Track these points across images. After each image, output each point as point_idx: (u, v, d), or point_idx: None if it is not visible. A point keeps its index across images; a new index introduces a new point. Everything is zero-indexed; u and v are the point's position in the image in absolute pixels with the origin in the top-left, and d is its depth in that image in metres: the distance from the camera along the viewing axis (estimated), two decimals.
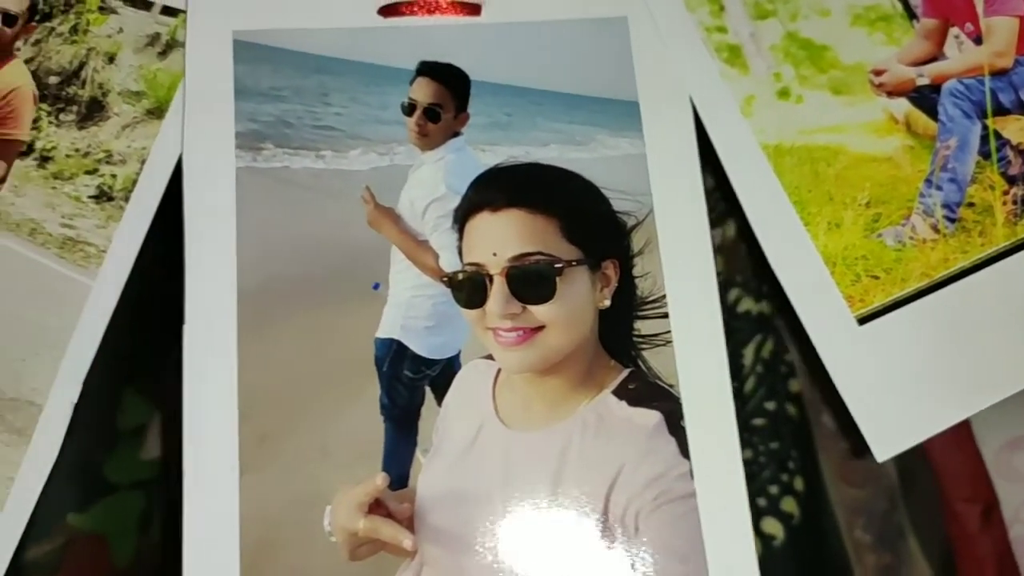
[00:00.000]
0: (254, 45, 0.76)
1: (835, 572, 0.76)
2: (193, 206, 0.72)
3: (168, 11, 0.78)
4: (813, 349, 0.72)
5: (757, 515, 0.73)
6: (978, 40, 0.79)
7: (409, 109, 0.75)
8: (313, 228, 0.73)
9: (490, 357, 0.68)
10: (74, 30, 0.78)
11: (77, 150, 0.76)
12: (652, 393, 0.67)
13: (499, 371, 0.68)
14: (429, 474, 0.67)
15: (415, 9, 0.77)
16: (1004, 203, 0.76)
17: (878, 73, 0.78)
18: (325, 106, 0.76)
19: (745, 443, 0.72)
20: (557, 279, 0.65)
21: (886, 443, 0.70)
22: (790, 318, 0.75)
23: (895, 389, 0.71)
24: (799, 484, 0.76)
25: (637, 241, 0.70)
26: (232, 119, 0.74)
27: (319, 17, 0.77)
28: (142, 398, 0.75)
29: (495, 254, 0.66)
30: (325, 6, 0.77)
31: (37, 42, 0.78)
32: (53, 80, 0.77)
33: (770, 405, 0.77)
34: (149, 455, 0.75)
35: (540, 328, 0.65)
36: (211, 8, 0.76)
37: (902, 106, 0.78)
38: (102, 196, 0.74)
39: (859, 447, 0.73)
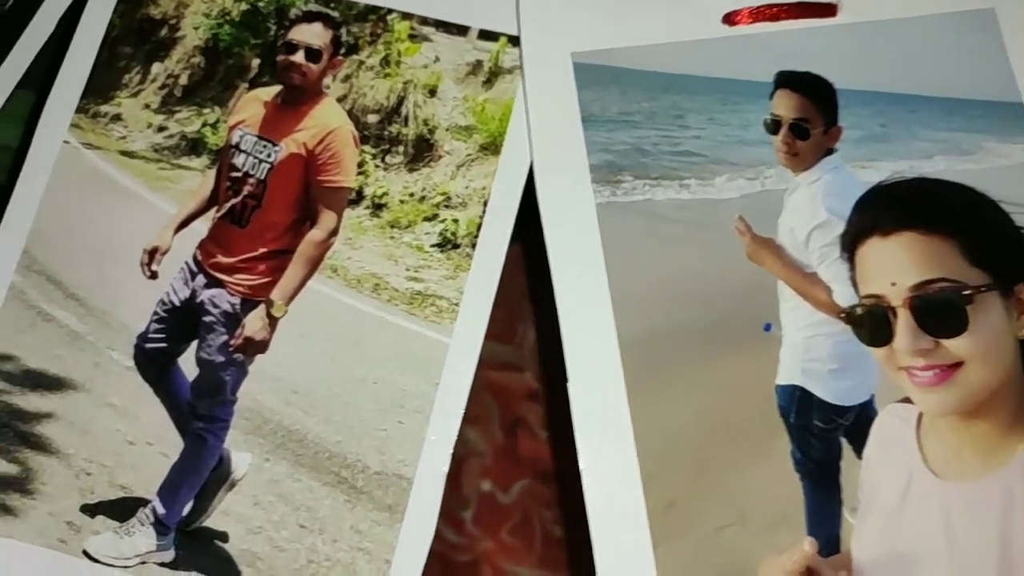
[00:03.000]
0: (596, 67, 0.69)
1: None
2: (559, 251, 0.65)
3: (486, 35, 0.71)
4: None
5: None
6: None
7: (773, 126, 0.68)
8: (689, 266, 0.66)
9: (908, 400, 0.61)
10: (385, 62, 0.71)
11: (411, 195, 0.69)
12: None
13: (921, 415, 0.61)
14: (862, 536, 0.60)
15: (762, 14, 0.70)
16: None
17: None
18: (682, 129, 0.69)
19: None
20: (968, 308, 0.58)
21: None
22: None
23: None
24: None
25: None
26: (584, 151, 0.67)
27: (662, 31, 0.69)
28: None
29: (894, 284, 0.58)
30: (666, 18, 0.70)
31: (347, 78, 0.71)
32: (372, 119, 0.71)
33: None
34: None
35: (958, 364, 0.58)
36: (546, 31, 0.69)
37: None
38: (446, 244, 0.68)
39: None
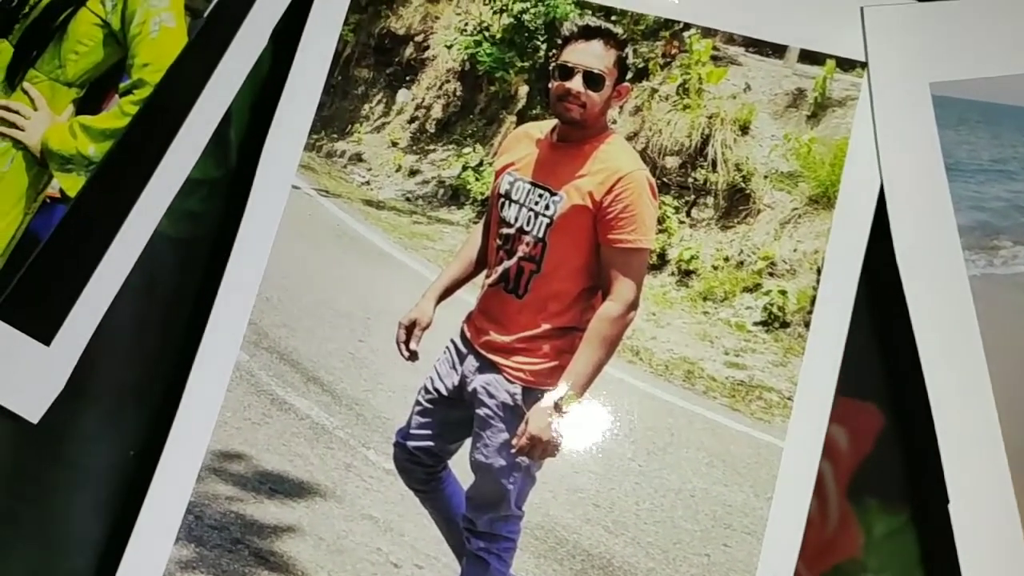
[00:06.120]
0: (961, 102, 0.55)
1: None
2: (928, 338, 0.53)
3: (809, 57, 0.58)
4: None
5: None
6: None
7: None
8: None
9: None
10: (684, 90, 0.58)
11: (726, 259, 0.57)
12: None
13: None
14: None
15: None
16: None
17: None
18: None
19: None
20: None
21: None
22: None
23: None
24: None
25: None
26: (950, 207, 0.54)
27: None
28: None
29: None
30: None
31: (637, 110, 0.58)
32: (671, 162, 0.58)
33: None
34: None
35: None
36: (900, 55, 0.56)
37: None
38: (773, 321, 0.55)
39: None
